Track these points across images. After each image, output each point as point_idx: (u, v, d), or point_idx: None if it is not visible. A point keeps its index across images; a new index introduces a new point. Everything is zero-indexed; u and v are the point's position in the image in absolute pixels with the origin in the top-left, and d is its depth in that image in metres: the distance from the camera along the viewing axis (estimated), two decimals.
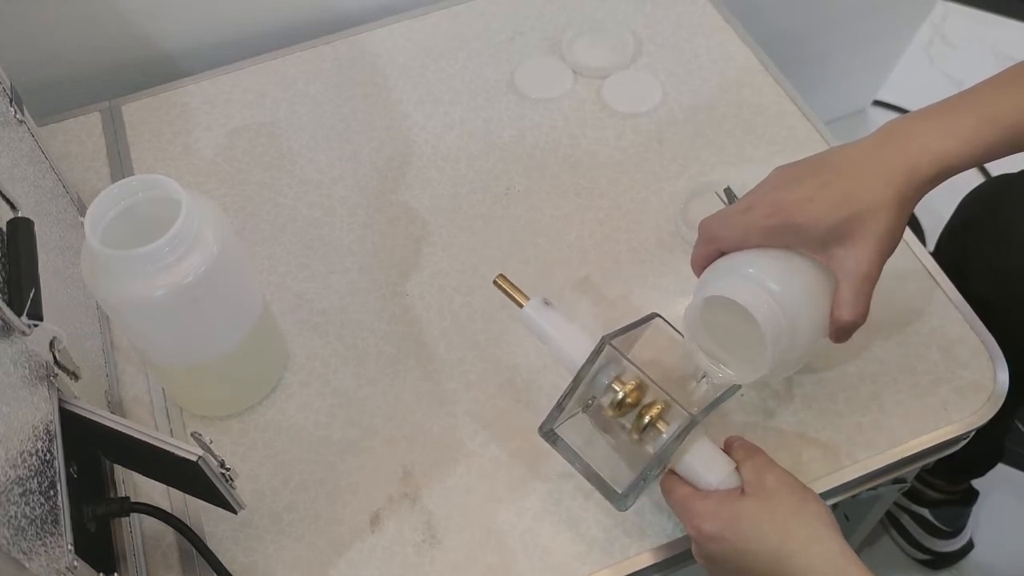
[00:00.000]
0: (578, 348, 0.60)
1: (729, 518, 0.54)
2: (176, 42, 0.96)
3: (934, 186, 0.56)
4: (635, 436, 0.58)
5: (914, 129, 0.57)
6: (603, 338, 0.58)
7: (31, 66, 0.90)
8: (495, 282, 0.64)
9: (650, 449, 0.58)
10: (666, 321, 0.63)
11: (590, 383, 0.60)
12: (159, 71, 0.96)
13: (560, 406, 0.60)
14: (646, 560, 0.62)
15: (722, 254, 0.60)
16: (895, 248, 0.57)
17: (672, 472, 0.59)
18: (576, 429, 0.62)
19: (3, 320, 0.49)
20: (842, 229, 0.55)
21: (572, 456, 0.61)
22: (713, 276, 0.59)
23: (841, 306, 0.56)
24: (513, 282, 0.64)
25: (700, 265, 0.62)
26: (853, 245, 0.55)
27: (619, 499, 0.59)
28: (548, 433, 0.61)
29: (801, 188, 0.56)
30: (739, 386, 0.60)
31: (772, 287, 0.56)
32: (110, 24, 0.91)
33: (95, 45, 0.93)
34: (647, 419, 0.57)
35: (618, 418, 0.60)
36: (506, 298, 0.63)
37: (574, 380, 0.59)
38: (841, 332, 0.58)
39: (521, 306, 0.63)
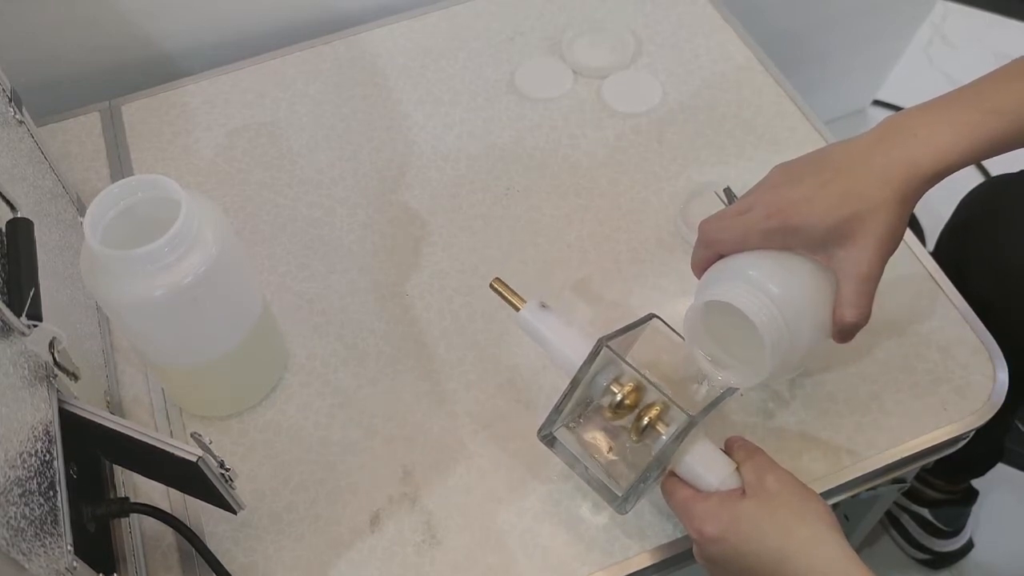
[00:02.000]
0: (576, 351, 0.59)
1: (730, 520, 0.54)
2: (176, 42, 0.96)
3: (936, 182, 0.56)
4: (634, 438, 0.58)
5: (915, 124, 0.56)
6: (600, 340, 0.58)
7: (31, 66, 0.90)
8: (491, 286, 0.64)
9: (650, 451, 0.58)
10: (664, 322, 0.62)
11: (588, 385, 0.60)
12: (159, 71, 0.96)
13: (558, 409, 0.60)
14: (646, 560, 0.62)
15: (722, 255, 0.60)
16: (897, 247, 0.56)
17: (672, 474, 0.59)
18: (575, 432, 0.62)
19: (3, 321, 0.49)
20: (842, 229, 0.55)
21: (571, 459, 0.61)
22: (713, 279, 0.59)
23: (843, 307, 0.56)
24: (509, 285, 0.64)
25: (700, 268, 0.61)
26: (853, 245, 0.55)
27: (619, 502, 0.59)
28: (547, 437, 0.61)
29: (800, 188, 0.56)
30: (731, 392, 0.60)
31: (772, 290, 0.55)
32: (110, 24, 0.91)
33: (95, 45, 0.93)
34: (646, 421, 0.57)
35: (617, 420, 0.60)
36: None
37: (572, 383, 0.59)
38: (844, 333, 0.57)
39: (518, 309, 0.62)
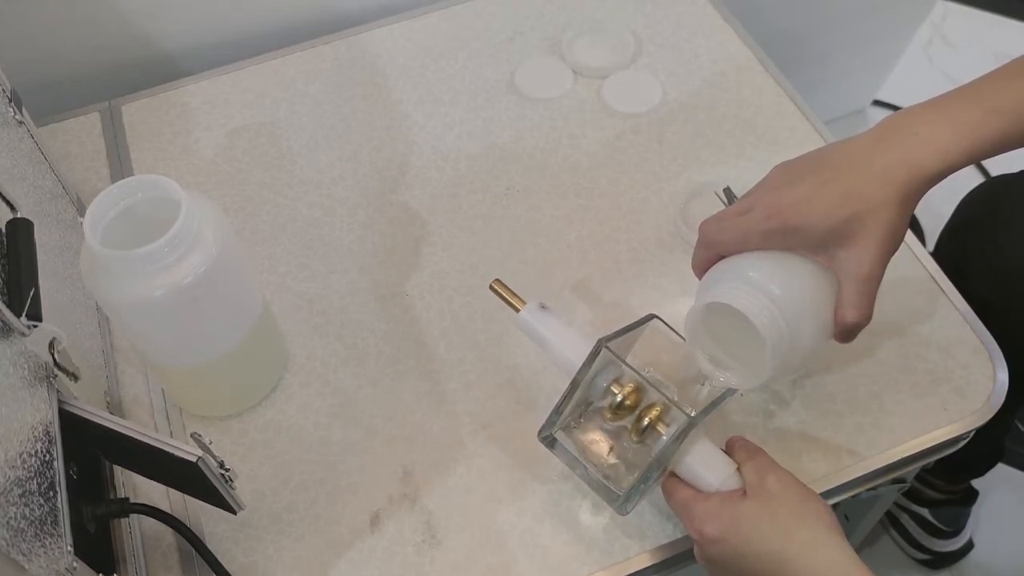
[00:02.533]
0: (576, 351, 0.59)
1: (730, 520, 0.54)
2: (176, 42, 0.96)
3: (937, 182, 0.55)
4: (635, 439, 0.58)
5: (915, 123, 0.55)
6: (599, 341, 0.58)
7: (31, 66, 0.90)
8: (491, 287, 0.64)
9: (650, 452, 0.58)
10: (664, 322, 0.62)
11: (588, 386, 0.60)
12: (159, 71, 0.96)
13: (558, 411, 0.60)
14: (646, 561, 0.62)
15: (723, 256, 0.60)
16: (898, 246, 0.56)
17: (673, 474, 0.59)
18: (576, 433, 0.62)
19: (3, 321, 0.49)
20: (841, 230, 0.54)
21: (572, 461, 0.61)
22: (714, 280, 0.59)
23: (845, 307, 0.56)
24: (509, 286, 0.64)
25: (701, 269, 0.61)
26: (854, 246, 0.54)
27: (619, 503, 0.59)
28: (547, 438, 0.61)
29: (799, 188, 0.56)
30: (730, 393, 0.59)
31: (773, 291, 0.55)
32: (110, 24, 0.91)
33: (95, 45, 0.93)
34: (646, 421, 0.57)
35: (617, 421, 0.59)
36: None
37: (571, 384, 0.59)
38: (846, 333, 0.57)
39: (517, 311, 0.62)
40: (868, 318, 0.56)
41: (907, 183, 0.54)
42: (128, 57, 0.95)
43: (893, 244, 0.55)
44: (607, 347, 0.57)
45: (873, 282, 0.55)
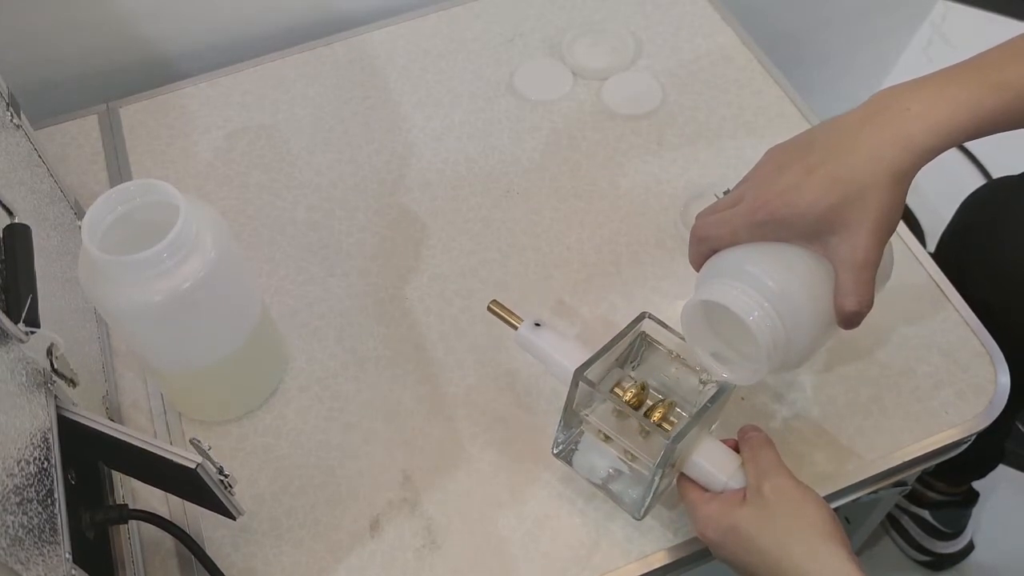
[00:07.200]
0: (574, 362, 0.59)
1: (728, 527, 0.54)
2: (174, 44, 0.96)
3: (931, 158, 0.52)
4: (642, 438, 0.58)
5: (906, 99, 0.53)
6: (575, 372, 0.58)
7: (29, 68, 0.89)
8: (489, 308, 0.64)
9: (658, 450, 0.58)
10: (658, 320, 0.62)
11: (590, 393, 0.60)
12: (157, 73, 0.96)
13: (565, 427, 0.60)
14: (648, 565, 0.62)
15: (716, 250, 0.59)
16: (895, 227, 0.54)
17: (683, 474, 0.59)
18: (588, 442, 0.62)
19: (0, 327, 0.49)
20: (831, 217, 0.52)
21: (588, 471, 0.62)
22: (709, 275, 0.58)
23: (843, 296, 0.54)
24: (506, 305, 0.64)
25: (697, 263, 0.60)
26: (846, 232, 0.52)
27: (634, 508, 0.59)
28: (561, 454, 0.61)
29: (787, 176, 0.54)
30: (729, 389, 0.59)
31: (767, 285, 0.54)
32: (108, 26, 0.91)
33: (93, 47, 0.92)
34: (652, 422, 0.57)
35: (623, 420, 0.59)
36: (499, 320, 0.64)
37: (566, 404, 0.59)
38: (848, 321, 0.55)
39: (516, 328, 0.63)
40: (868, 304, 0.54)
41: (897, 161, 0.52)
42: (126, 59, 0.95)
43: (887, 226, 0.53)
44: (584, 378, 0.57)
45: (869, 267, 0.53)
